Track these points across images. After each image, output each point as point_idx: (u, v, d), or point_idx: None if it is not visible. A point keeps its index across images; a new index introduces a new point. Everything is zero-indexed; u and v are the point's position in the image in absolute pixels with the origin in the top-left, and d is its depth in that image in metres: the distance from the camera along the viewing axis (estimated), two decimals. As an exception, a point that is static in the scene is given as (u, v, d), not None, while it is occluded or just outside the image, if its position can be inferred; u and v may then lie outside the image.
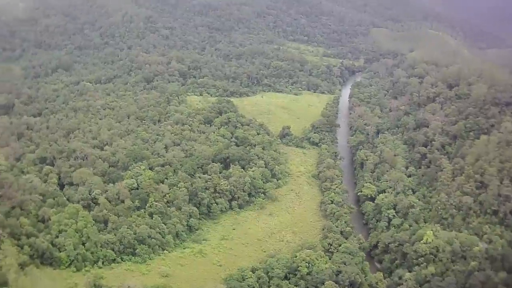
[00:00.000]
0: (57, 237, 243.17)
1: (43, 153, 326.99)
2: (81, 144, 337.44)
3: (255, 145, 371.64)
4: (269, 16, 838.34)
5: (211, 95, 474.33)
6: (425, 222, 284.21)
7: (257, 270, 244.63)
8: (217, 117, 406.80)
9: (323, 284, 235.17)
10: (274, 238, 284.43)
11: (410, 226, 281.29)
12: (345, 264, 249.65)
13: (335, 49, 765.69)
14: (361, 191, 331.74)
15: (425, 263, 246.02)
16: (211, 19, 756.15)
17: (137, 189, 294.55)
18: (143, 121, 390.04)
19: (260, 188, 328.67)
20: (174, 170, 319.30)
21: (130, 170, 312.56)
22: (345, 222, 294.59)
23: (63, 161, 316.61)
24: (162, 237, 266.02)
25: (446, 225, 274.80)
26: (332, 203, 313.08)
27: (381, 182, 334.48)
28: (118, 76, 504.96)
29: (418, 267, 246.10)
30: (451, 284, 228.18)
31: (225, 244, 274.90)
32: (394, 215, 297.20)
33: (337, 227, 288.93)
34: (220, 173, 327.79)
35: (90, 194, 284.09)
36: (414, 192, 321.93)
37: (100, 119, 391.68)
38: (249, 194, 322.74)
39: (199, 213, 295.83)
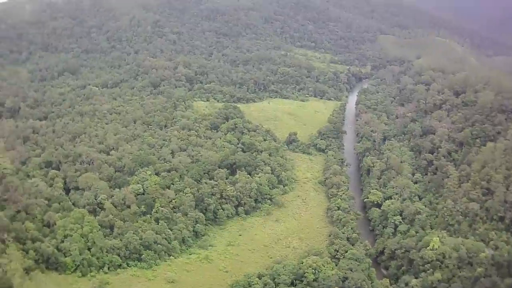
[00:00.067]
0: (63, 242, 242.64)
1: (49, 157, 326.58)
2: (87, 149, 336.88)
3: (261, 151, 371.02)
4: (277, 22, 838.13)
5: (217, 101, 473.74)
6: (432, 229, 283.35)
7: (264, 276, 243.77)
8: (224, 123, 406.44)
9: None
10: (281, 244, 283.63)
11: (416, 232, 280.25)
12: (351, 270, 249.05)
13: (342, 56, 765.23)
14: (368, 198, 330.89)
15: (431, 270, 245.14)
16: (219, 24, 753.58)
17: (143, 194, 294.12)
18: (150, 126, 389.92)
19: (266, 194, 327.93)
20: (181, 175, 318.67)
21: (136, 175, 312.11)
22: (351, 228, 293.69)
23: (69, 166, 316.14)
24: (168, 242, 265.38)
25: (453, 231, 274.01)
26: (338, 210, 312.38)
27: (387, 189, 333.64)
28: (125, 80, 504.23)
29: (424, 274, 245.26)
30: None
31: (232, 250, 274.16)
32: (400, 222, 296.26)
33: (343, 233, 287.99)
34: (226, 179, 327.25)
35: (96, 199, 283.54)
36: (420, 199, 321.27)
37: (107, 123, 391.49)
38: (256, 200, 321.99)
39: (205, 219, 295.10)
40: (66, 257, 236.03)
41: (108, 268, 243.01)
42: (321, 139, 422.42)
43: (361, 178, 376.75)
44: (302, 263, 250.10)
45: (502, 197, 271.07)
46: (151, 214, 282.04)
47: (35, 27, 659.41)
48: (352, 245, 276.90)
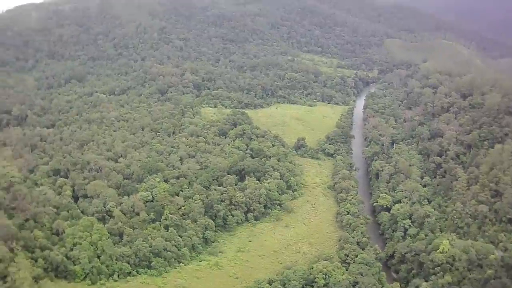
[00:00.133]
0: (72, 250, 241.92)
1: (57, 165, 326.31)
2: (95, 156, 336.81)
3: (270, 157, 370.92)
4: (283, 27, 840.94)
5: (225, 107, 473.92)
6: (441, 232, 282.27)
7: (274, 282, 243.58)
8: (232, 129, 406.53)
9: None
10: (291, 250, 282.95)
11: (426, 235, 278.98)
12: (362, 275, 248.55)
13: (349, 60, 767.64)
14: (377, 202, 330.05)
15: (441, 272, 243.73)
16: (225, 30, 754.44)
17: (152, 201, 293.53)
18: (158, 133, 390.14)
19: (275, 200, 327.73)
20: (189, 182, 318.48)
21: (144, 182, 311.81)
22: (361, 232, 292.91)
23: (77, 173, 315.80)
24: (178, 249, 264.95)
25: (462, 234, 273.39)
26: (348, 214, 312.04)
27: (396, 192, 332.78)
28: (132, 87, 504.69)
29: (434, 277, 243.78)
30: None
31: (241, 256, 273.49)
32: (410, 225, 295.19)
33: (353, 237, 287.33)
34: (235, 185, 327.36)
35: (104, 207, 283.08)
36: (429, 202, 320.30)
37: (114, 131, 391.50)
38: (265, 206, 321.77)
39: (215, 225, 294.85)
40: (75, 265, 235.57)
41: (118, 276, 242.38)
42: (329, 144, 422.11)
43: (370, 182, 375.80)
44: (312, 268, 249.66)
45: (511, 199, 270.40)
46: (160, 221, 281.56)
47: (42, 34, 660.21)
48: (362, 250, 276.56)
